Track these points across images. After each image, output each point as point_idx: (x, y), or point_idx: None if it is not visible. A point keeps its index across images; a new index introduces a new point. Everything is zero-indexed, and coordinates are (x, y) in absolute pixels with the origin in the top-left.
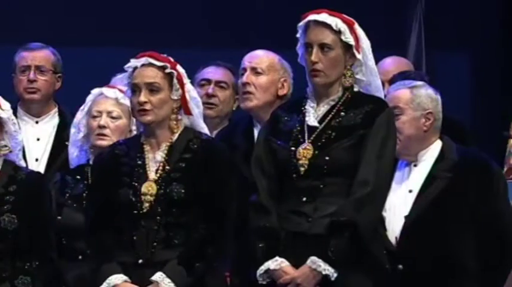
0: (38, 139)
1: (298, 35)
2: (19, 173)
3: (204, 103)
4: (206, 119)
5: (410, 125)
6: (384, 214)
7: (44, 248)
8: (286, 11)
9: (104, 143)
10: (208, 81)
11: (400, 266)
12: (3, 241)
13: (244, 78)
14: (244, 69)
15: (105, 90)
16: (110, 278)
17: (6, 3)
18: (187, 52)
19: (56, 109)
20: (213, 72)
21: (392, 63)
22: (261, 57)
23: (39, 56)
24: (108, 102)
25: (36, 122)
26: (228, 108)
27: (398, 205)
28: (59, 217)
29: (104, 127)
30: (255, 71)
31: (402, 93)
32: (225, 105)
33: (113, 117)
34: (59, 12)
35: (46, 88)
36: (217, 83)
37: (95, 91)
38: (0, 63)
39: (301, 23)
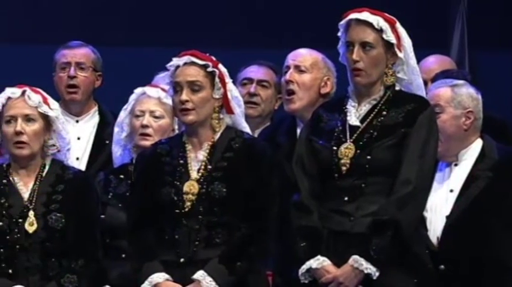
0: (79, 138)
1: (339, 34)
2: (67, 172)
3: (246, 102)
4: (248, 118)
5: (450, 124)
6: (425, 214)
7: (90, 247)
8: (328, 9)
9: (147, 143)
10: (250, 80)
11: (442, 267)
12: (50, 240)
13: (288, 76)
14: (288, 67)
15: (147, 89)
16: (151, 276)
17: (48, 3)
18: (228, 51)
19: (96, 108)
20: (255, 71)
21: (435, 62)
22: (304, 56)
23: (79, 53)
24: (151, 102)
25: (77, 121)
26: (270, 107)
27: (439, 205)
28: (103, 216)
29: (146, 127)
30: (298, 69)
31: (443, 91)
32: (267, 104)
33: (155, 117)
34: (102, 12)
35: (86, 85)
36: (259, 82)
37: (138, 90)
38: (42, 63)
39: (343, 22)
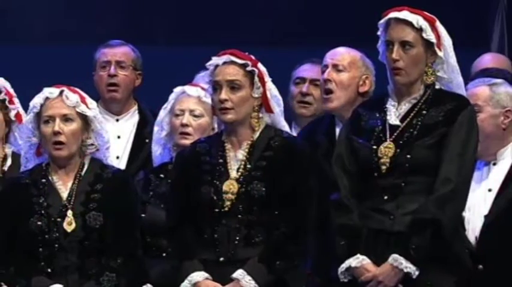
0: (119, 137)
1: (379, 33)
2: (106, 171)
3: (298, 102)
4: (300, 118)
5: (488, 123)
6: (464, 213)
7: (129, 246)
8: (368, 8)
9: (187, 142)
10: (303, 79)
11: (480, 266)
12: (88, 239)
13: (325, 75)
14: (326, 66)
15: (187, 88)
16: (191, 275)
17: (89, 2)
18: (269, 50)
19: (135, 107)
20: (308, 70)
21: (491, 60)
22: (342, 54)
23: (119, 52)
24: (191, 101)
25: (117, 120)
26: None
27: (477, 204)
28: (143, 215)
29: (186, 126)
30: (336, 68)
31: (481, 90)
32: (320, 103)
33: (195, 116)
34: (142, 12)
35: (126, 84)
36: (312, 81)
37: (178, 89)
38: (82, 62)
39: (382, 21)
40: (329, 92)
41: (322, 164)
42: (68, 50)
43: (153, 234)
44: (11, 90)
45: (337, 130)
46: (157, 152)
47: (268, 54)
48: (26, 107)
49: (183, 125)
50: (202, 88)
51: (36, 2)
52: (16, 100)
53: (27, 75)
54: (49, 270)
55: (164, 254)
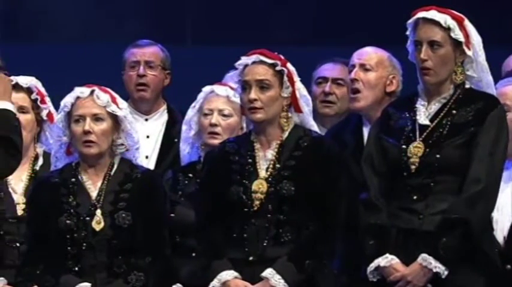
0: (148, 137)
1: (407, 33)
2: (135, 171)
3: (321, 101)
4: (324, 117)
5: None
6: (492, 213)
7: (158, 245)
8: (396, 7)
9: (216, 141)
10: (325, 79)
11: (509, 266)
12: (117, 238)
13: (353, 75)
14: (353, 66)
15: (216, 88)
16: (220, 274)
17: (118, 2)
18: (296, 50)
19: (164, 106)
20: (330, 70)
21: None
22: (369, 54)
23: (148, 52)
24: (220, 100)
25: (146, 120)
26: (346, 105)
27: (505, 205)
28: (172, 215)
29: (215, 125)
30: (363, 67)
31: (509, 89)
32: (343, 102)
33: (224, 115)
34: (171, 11)
35: (155, 84)
36: (334, 81)
37: (206, 89)
38: (112, 61)
39: (411, 21)
40: (356, 91)
41: (350, 164)
42: (98, 49)
43: (182, 234)
44: (43, 90)
45: (365, 130)
46: (185, 151)
47: (297, 54)
48: (56, 107)
49: (212, 125)
50: (231, 88)
51: (65, 2)
52: (47, 99)
53: (58, 74)
54: (77, 269)
55: (193, 254)
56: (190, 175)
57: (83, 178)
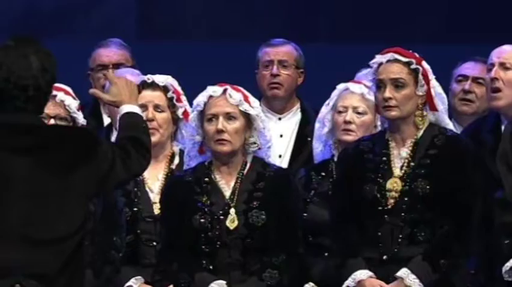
0: (281, 136)
1: None
2: (267, 169)
3: (460, 99)
4: (462, 115)
5: None
6: None
7: (291, 243)
8: None
9: (350, 137)
10: (466, 77)
11: None
12: (251, 237)
13: (492, 74)
14: (492, 65)
15: (350, 85)
16: (355, 273)
17: (252, 2)
18: (431, 48)
19: (298, 105)
20: (471, 68)
21: None
22: (509, 52)
23: (282, 51)
24: (354, 98)
25: (279, 119)
26: (484, 105)
27: None
28: (305, 214)
29: (349, 123)
30: (503, 66)
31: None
32: (482, 101)
33: (358, 113)
34: (304, 9)
35: (289, 83)
36: (475, 79)
37: (341, 86)
38: (245, 60)
39: None
40: (496, 90)
41: (488, 162)
42: (231, 48)
43: (314, 233)
44: (179, 88)
45: (503, 128)
46: (318, 149)
47: (432, 52)
48: (190, 106)
49: (346, 122)
50: (366, 85)
51: (198, 1)
52: (183, 98)
53: (190, 72)
54: (211, 267)
55: (326, 254)
56: (323, 173)
57: (216, 177)
